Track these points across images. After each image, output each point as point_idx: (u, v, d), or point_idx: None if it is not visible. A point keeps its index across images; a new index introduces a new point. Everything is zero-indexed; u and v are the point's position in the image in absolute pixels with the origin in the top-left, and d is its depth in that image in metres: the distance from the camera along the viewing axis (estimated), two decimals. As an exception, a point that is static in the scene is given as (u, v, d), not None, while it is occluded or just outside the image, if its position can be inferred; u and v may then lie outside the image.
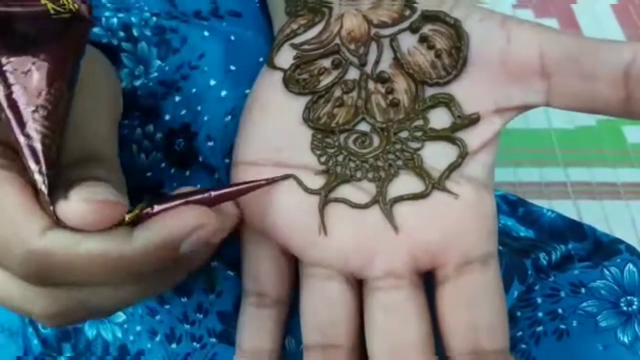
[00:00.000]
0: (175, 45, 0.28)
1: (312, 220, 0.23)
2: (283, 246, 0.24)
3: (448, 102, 0.23)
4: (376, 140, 0.24)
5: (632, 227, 0.50)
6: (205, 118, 0.28)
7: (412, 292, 0.22)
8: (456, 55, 0.23)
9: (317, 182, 0.23)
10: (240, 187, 0.22)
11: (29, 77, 0.18)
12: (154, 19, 0.28)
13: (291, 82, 0.25)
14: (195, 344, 0.28)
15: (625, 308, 0.28)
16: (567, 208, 0.51)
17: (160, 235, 0.19)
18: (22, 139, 0.18)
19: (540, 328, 0.29)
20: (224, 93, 0.28)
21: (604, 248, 0.31)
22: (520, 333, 0.28)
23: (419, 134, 0.23)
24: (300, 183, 0.23)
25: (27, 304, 0.20)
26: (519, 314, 0.28)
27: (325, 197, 0.23)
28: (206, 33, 0.28)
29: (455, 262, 0.22)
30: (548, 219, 0.35)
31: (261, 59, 0.28)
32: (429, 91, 0.24)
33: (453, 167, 0.23)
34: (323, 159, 0.24)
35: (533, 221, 0.36)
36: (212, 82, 0.28)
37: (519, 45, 0.23)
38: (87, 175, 0.20)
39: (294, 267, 0.25)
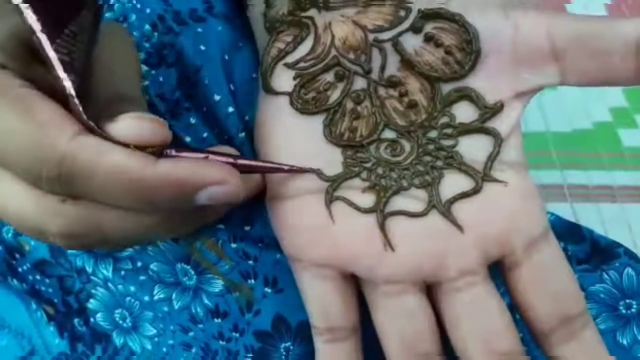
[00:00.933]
0: (170, 60, 0.28)
1: (375, 239, 0.23)
2: (347, 272, 0.24)
3: (471, 94, 0.23)
4: (407, 145, 0.24)
5: (628, 230, 0.50)
6: (226, 137, 0.28)
7: (487, 285, 0.23)
8: (468, 49, 0.24)
9: (366, 199, 0.23)
10: (267, 164, 0.23)
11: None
12: (155, 34, 0.29)
13: (300, 104, 0.25)
14: (231, 358, 0.29)
15: (624, 311, 0.28)
16: (564, 210, 0.51)
17: (182, 172, 0.20)
18: (51, 54, 0.20)
19: None
20: (230, 110, 0.28)
21: (602, 251, 0.32)
22: (520, 335, 0.28)
23: (449, 130, 0.24)
24: (351, 204, 0.23)
25: (42, 221, 0.21)
26: (518, 316, 0.28)
27: (382, 212, 0.23)
28: (202, 47, 0.28)
29: (522, 245, 0.23)
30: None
31: (254, 75, 0.28)
32: (444, 87, 0.24)
33: (494, 157, 0.23)
34: (364, 175, 0.24)
35: None
36: (217, 98, 0.28)
37: (528, 31, 0.23)
38: (124, 110, 0.20)
39: (358, 291, 0.25)
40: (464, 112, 0.24)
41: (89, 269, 0.30)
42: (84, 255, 0.30)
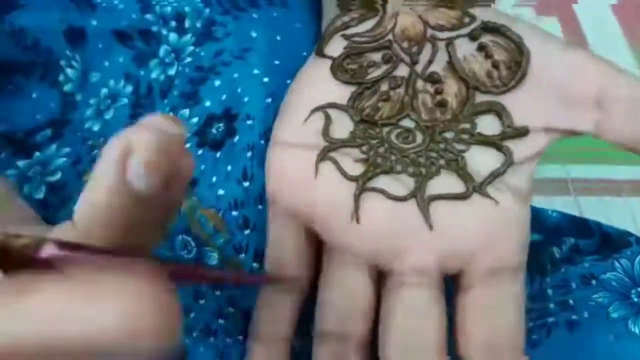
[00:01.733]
0: (217, 35, 0.28)
1: (348, 206, 0.23)
2: (314, 228, 0.24)
3: (500, 111, 0.23)
4: (419, 138, 0.24)
5: (633, 224, 0.50)
6: (246, 99, 0.27)
7: (434, 294, 0.22)
8: (515, 68, 0.24)
9: (356, 169, 0.23)
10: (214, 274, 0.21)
11: None
12: (207, 10, 0.28)
13: (339, 70, 0.25)
14: (227, 339, 0.28)
15: (636, 299, 0.28)
16: (568, 204, 0.51)
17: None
18: None
19: (551, 319, 0.29)
20: (266, 79, 0.28)
21: (612, 241, 0.32)
22: (531, 324, 0.28)
23: (465, 136, 0.23)
24: (339, 168, 0.23)
25: None
26: (529, 305, 0.28)
27: (362, 184, 0.23)
28: (254, 34, 0.28)
29: (485, 269, 0.22)
30: (553, 220, 0.36)
31: (305, 54, 0.28)
32: (479, 98, 0.24)
33: (497, 174, 0.23)
34: (364, 148, 0.24)
35: (539, 225, 0.36)
36: (256, 71, 0.28)
37: (580, 75, 0.23)
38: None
39: (315, 256, 0.25)
40: (487, 126, 0.24)
41: None
42: None
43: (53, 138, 0.29)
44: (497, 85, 0.24)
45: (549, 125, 0.23)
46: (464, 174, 0.23)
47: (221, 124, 0.27)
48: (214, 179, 0.27)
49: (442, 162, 0.23)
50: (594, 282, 0.29)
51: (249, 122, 0.27)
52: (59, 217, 0.28)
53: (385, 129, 0.24)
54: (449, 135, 0.24)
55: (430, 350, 0.22)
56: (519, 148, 0.23)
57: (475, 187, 0.22)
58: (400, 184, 0.23)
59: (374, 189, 0.23)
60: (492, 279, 0.22)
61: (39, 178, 0.28)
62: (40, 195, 0.28)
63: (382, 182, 0.23)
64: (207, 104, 0.28)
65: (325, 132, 0.24)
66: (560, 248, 0.32)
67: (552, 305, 0.29)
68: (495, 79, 0.24)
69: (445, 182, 0.23)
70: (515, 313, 0.22)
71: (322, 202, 0.23)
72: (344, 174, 0.23)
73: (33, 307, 0.12)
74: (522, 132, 0.23)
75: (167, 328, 0.12)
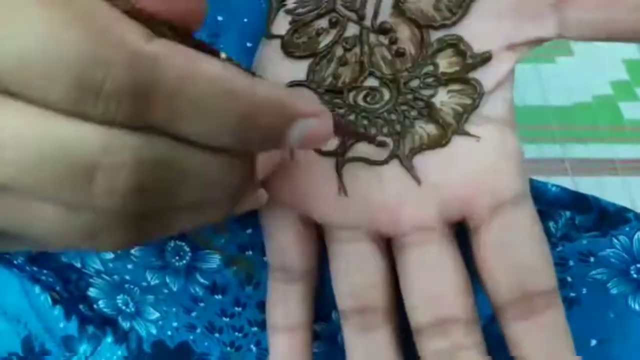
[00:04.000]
0: None
1: (332, 183, 0.22)
2: (305, 214, 0.23)
3: (457, 43, 0.22)
4: (386, 95, 0.23)
5: (630, 203, 0.50)
6: None
7: (444, 245, 0.22)
8: None
9: (331, 143, 0.23)
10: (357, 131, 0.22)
11: None
12: None
13: (291, 47, 0.24)
14: (237, 333, 0.28)
15: (635, 276, 0.28)
16: (565, 184, 0.51)
17: (283, 94, 0.16)
18: None
19: None
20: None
21: (610, 217, 0.31)
22: None
23: (430, 79, 0.23)
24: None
25: (92, 154, 0.14)
26: None
27: (341, 157, 0.22)
28: (220, 18, 0.27)
29: (486, 207, 0.22)
30: (552, 194, 0.35)
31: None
32: (435, 35, 0.23)
33: (471, 109, 0.22)
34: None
35: (538, 197, 0.35)
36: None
37: None
38: None
39: (317, 238, 0.24)
40: (450, 62, 0.23)
41: (78, 265, 0.29)
42: (68, 253, 0.28)
43: None
44: (447, 17, 0.23)
45: (511, 41, 0.22)
46: (438, 119, 0.22)
47: None
48: None
49: (414, 113, 0.23)
50: (592, 259, 0.29)
51: None
52: None
53: (351, 94, 0.23)
54: (414, 83, 0.23)
55: (454, 294, 0.21)
56: (487, 75, 0.22)
57: (453, 129, 0.22)
58: (380, 148, 0.23)
59: (353, 159, 0.22)
60: (497, 214, 0.22)
61: None
62: None
63: (360, 149, 0.23)
64: None
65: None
66: (556, 222, 0.32)
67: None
68: (443, 10, 0.23)
69: (423, 132, 0.22)
70: (529, 242, 0.22)
71: (305, 185, 0.23)
72: (319, 151, 0.23)
73: None
74: (485, 58, 0.22)
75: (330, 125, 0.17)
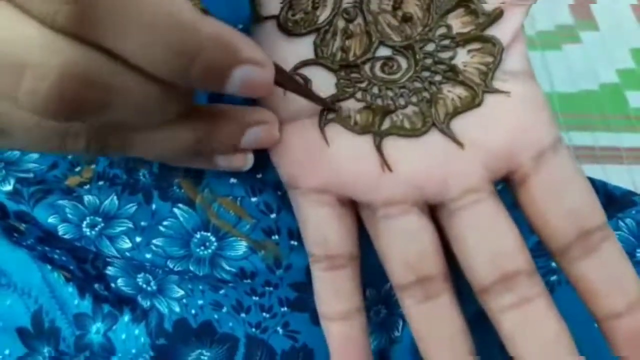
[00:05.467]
0: None
1: (372, 161, 0.22)
2: (346, 197, 0.23)
3: (467, 1, 0.22)
4: (403, 62, 0.23)
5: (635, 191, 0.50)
6: None
7: (495, 202, 0.22)
8: None
9: (362, 120, 0.22)
10: (299, 86, 0.21)
11: None
12: None
13: (289, 25, 0.23)
14: (264, 314, 0.27)
15: None
16: (570, 171, 0.51)
17: (229, 35, 0.17)
18: None
19: (554, 277, 0.28)
20: None
21: (616, 201, 0.31)
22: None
23: (446, 42, 0.22)
24: (346, 125, 0.22)
25: (41, 54, 0.15)
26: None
27: (378, 133, 0.22)
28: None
29: (529, 157, 0.22)
30: None
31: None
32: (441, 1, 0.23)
33: (495, 66, 0.22)
34: (358, 95, 0.23)
35: None
36: None
37: None
38: None
39: (357, 218, 0.24)
40: (462, 22, 0.23)
41: (93, 249, 0.28)
42: (82, 240, 0.28)
43: None
44: None
45: None
46: (465, 81, 0.22)
47: None
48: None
49: (438, 77, 0.22)
50: None
51: None
52: (35, 213, 0.27)
53: (367, 66, 0.23)
54: (430, 47, 0.23)
55: (514, 253, 0.22)
56: (502, 30, 0.22)
57: (482, 89, 0.22)
58: (412, 117, 0.22)
59: (390, 133, 0.22)
60: (540, 163, 0.22)
61: (4, 169, 0.27)
62: (8, 187, 0.27)
63: (395, 122, 0.22)
64: None
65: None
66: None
67: (554, 264, 0.28)
68: None
69: (453, 96, 0.22)
70: (579, 183, 0.22)
71: (345, 167, 0.22)
72: (353, 130, 0.22)
73: None
74: (497, 15, 0.22)
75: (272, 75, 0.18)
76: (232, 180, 0.26)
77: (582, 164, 0.51)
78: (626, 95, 0.54)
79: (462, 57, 0.22)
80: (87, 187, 0.26)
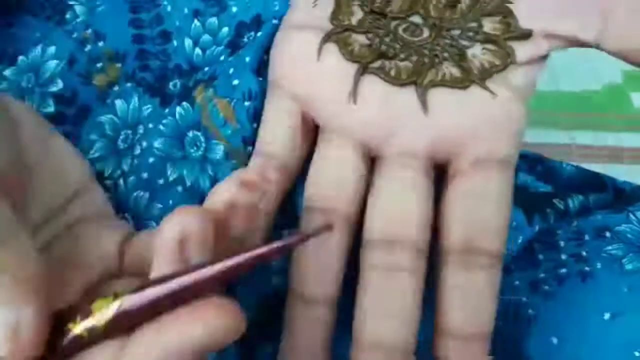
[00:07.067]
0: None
1: (347, 87, 0.23)
2: (310, 112, 0.24)
3: (506, 13, 0.24)
4: (426, 33, 0.24)
5: (635, 191, 0.50)
6: (277, 7, 0.27)
7: (420, 177, 0.22)
8: None
9: (358, 51, 0.24)
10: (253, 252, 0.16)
11: None
12: None
13: None
14: None
15: None
16: (571, 169, 0.51)
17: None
18: None
19: (564, 270, 0.28)
20: None
21: (626, 195, 0.31)
22: (543, 275, 0.28)
23: (471, 34, 0.24)
24: (342, 48, 0.23)
25: None
26: (541, 256, 0.28)
27: (364, 66, 0.23)
28: None
29: (472, 158, 0.23)
30: (567, 173, 0.35)
31: None
32: (489, 3, 0.24)
33: (497, 70, 0.23)
34: (370, 35, 0.24)
35: (552, 176, 0.35)
36: None
37: None
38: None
39: (308, 142, 0.25)
40: (494, 27, 0.24)
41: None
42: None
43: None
44: None
45: (550, 31, 0.23)
46: (465, 66, 0.23)
47: (252, 33, 0.27)
48: (231, 70, 0.26)
49: (445, 54, 0.23)
50: (608, 234, 0.29)
51: (275, 21, 0.27)
52: (82, 131, 0.27)
53: (394, 22, 0.24)
54: (455, 32, 0.24)
55: (411, 221, 0.22)
56: (521, 49, 0.23)
57: (475, 79, 0.23)
58: (402, 69, 0.23)
59: (374, 71, 0.23)
60: (477, 168, 0.22)
61: (39, 90, 0.27)
62: (50, 109, 0.27)
63: (383, 65, 0.23)
64: (234, 9, 0.27)
65: (334, 17, 0.24)
66: (567, 203, 0.32)
67: (564, 257, 0.29)
68: None
69: (447, 72, 0.23)
70: (497, 204, 0.22)
71: (323, 81, 0.23)
72: (346, 54, 0.23)
73: None
74: (525, 34, 0.24)
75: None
76: (235, 82, 0.26)
77: (583, 163, 0.51)
78: (630, 96, 0.55)
79: (475, 51, 0.24)
80: (116, 88, 0.27)
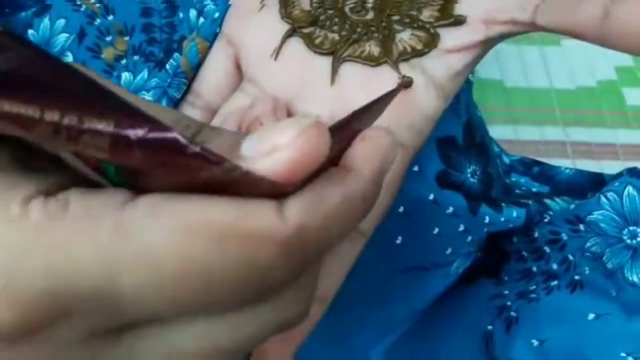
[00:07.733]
0: None
1: (274, 44, 0.25)
2: (239, 58, 0.26)
3: (448, 0, 0.24)
4: (370, 15, 0.25)
5: (629, 187, 0.50)
6: None
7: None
8: None
9: (299, 15, 0.25)
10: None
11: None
12: None
13: None
14: None
15: (629, 241, 0.27)
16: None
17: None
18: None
19: (554, 282, 0.28)
20: None
21: (604, 183, 0.31)
22: (534, 287, 0.28)
23: (407, 20, 0.24)
24: (284, 7, 0.25)
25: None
26: (534, 269, 0.28)
27: (294, 28, 0.25)
28: None
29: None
30: (565, 176, 0.35)
31: None
32: None
33: (415, 53, 0.23)
34: (315, 4, 0.25)
35: (549, 178, 0.35)
36: None
37: None
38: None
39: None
40: (432, 15, 0.24)
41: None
42: None
43: (39, 12, 0.27)
44: None
45: (489, 17, 0.23)
46: (388, 47, 0.24)
47: None
48: None
49: (375, 35, 0.24)
50: (581, 226, 0.28)
51: None
52: None
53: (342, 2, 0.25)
54: (395, 17, 0.24)
55: None
56: (452, 36, 0.23)
57: (389, 60, 0.23)
58: (327, 40, 0.24)
59: (302, 35, 0.24)
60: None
61: None
62: None
63: (315, 33, 0.25)
64: None
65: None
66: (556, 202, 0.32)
67: (555, 266, 0.28)
68: None
69: (366, 50, 0.24)
70: (385, 188, 0.20)
71: (256, 32, 0.25)
72: (284, 13, 0.25)
73: None
74: (457, 21, 0.23)
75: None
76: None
77: (578, 160, 0.51)
78: (623, 93, 0.54)
79: (404, 35, 0.24)
80: (124, 61, 0.27)
